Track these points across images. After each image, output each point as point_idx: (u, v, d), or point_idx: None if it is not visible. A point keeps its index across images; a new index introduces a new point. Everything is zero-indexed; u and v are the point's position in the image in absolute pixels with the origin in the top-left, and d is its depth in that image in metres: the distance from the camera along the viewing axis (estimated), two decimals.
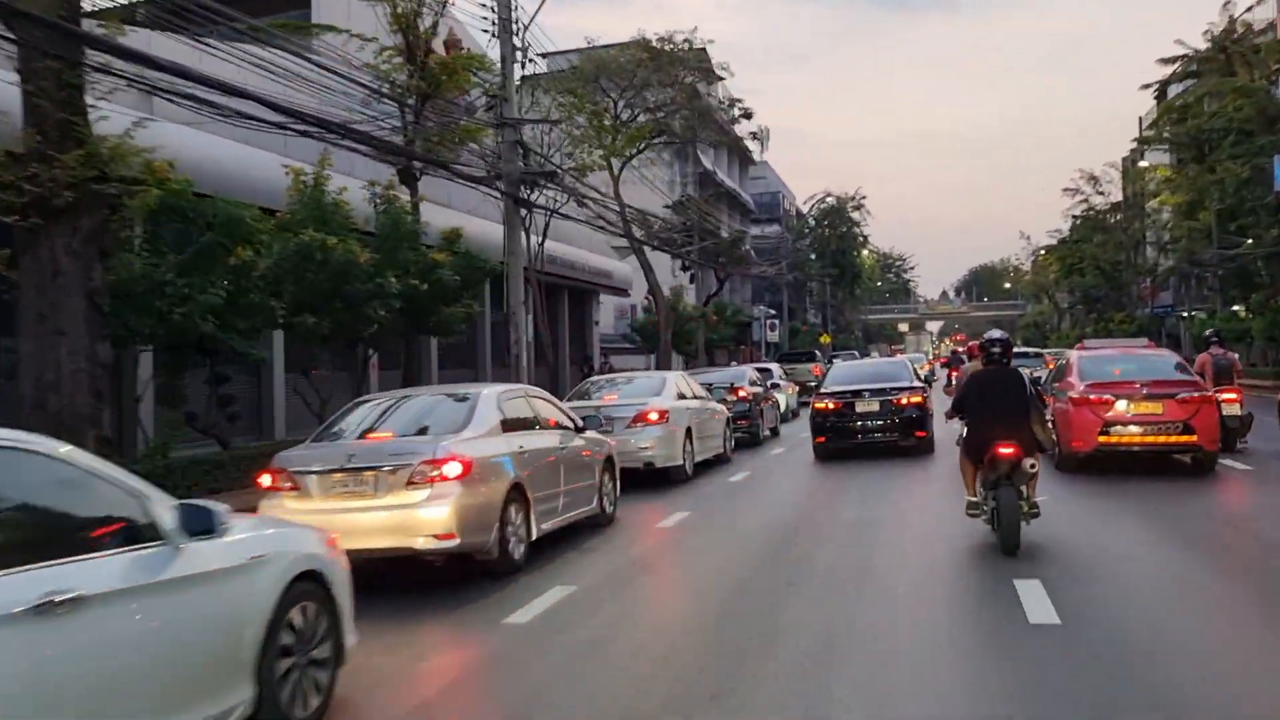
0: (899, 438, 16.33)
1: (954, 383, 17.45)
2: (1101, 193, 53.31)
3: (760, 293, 64.80)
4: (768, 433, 21.66)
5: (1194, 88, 41.48)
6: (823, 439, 16.58)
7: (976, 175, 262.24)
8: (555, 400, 11.20)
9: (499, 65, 18.12)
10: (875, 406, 16.35)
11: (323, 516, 7.35)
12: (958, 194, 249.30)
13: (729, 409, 19.05)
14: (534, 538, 8.84)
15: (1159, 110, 45.72)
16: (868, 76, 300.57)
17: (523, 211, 22.59)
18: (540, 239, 24.05)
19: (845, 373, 18.70)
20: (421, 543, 7.70)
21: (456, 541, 7.71)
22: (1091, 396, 12.67)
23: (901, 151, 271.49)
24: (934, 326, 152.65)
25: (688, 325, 37.09)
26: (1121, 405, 12.53)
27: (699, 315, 38.43)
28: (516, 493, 8.52)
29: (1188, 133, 40.27)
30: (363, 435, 8.65)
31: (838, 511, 11.28)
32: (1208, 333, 16.31)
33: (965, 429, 9.05)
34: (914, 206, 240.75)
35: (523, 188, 21.41)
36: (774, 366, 31.60)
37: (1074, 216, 55.04)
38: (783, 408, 25.94)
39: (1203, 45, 40.40)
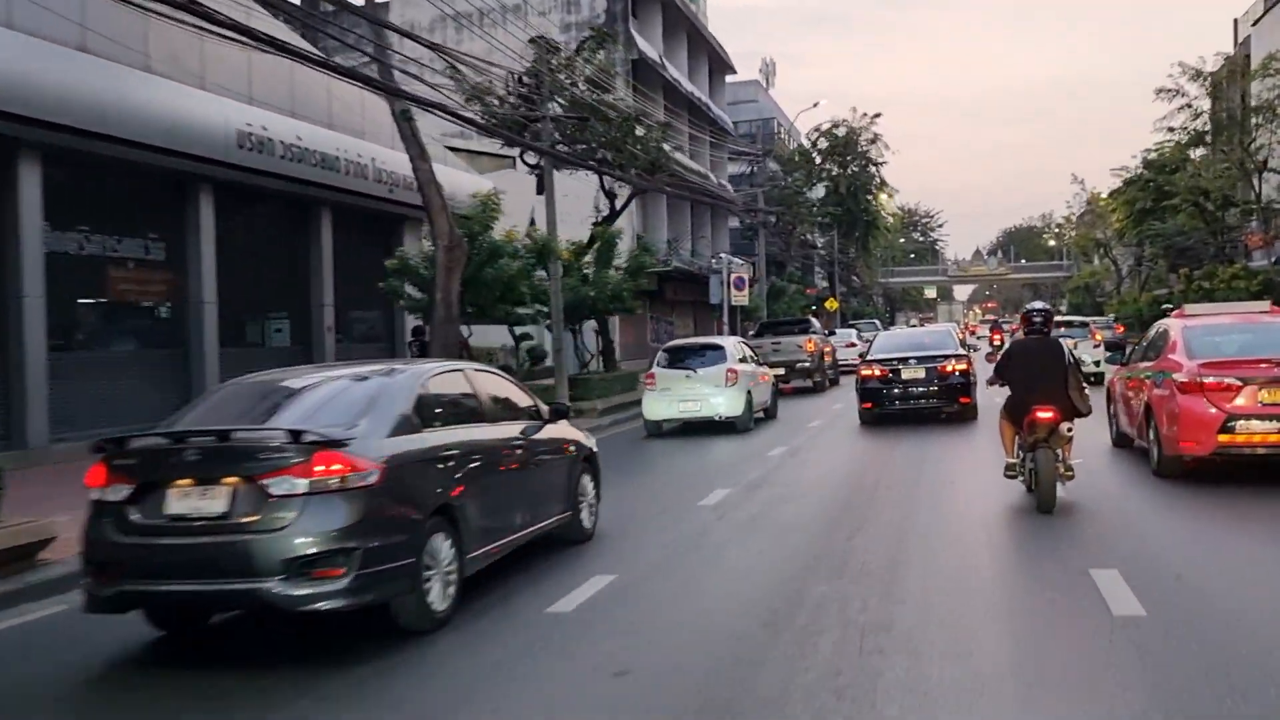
0: (943, 404, 16.93)
1: (994, 348, 15.79)
2: (1215, 95, 38.10)
3: (749, 247, 49.85)
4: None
5: None
6: (869, 405, 17.19)
7: (1009, 140, 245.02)
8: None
9: None
10: (921, 373, 16.94)
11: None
12: (990, 159, 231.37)
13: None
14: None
15: None
16: (902, 38, 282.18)
17: None
18: None
19: (891, 340, 19.38)
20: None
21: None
22: (1207, 381, 9.64)
23: (931, 114, 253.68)
24: (962, 294, 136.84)
25: (489, 267, 18.47)
26: (1249, 393, 9.42)
27: (535, 250, 20.35)
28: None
29: None
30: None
31: None
32: None
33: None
34: (944, 170, 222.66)
35: None
36: (728, 342, 19.04)
37: (1169, 130, 39.84)
38: (728, 414, 18.22)
39: None
